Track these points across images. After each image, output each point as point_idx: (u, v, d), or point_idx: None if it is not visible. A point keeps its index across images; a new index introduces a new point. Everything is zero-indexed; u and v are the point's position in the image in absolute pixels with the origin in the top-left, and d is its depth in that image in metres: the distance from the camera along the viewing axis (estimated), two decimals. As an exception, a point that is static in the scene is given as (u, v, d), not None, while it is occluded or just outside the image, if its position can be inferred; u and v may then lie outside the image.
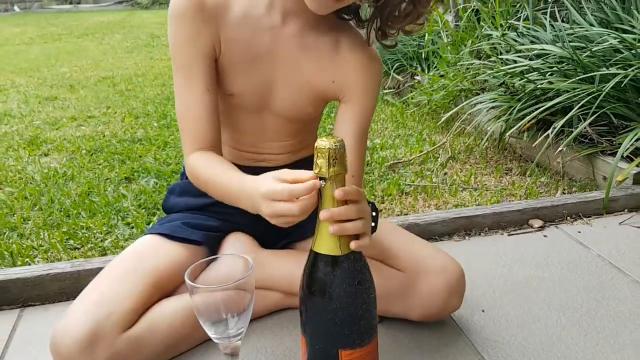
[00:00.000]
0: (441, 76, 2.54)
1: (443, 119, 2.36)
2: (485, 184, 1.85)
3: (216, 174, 0.92)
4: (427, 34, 2.93)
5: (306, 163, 1.03)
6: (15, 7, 11.81)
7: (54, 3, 12.05)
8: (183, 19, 0.93)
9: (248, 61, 0.97)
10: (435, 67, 2.69)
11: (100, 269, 1.17)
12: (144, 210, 1.65)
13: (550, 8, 2.17)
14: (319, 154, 0.71)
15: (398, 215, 1.60)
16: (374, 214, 0.88)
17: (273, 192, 0.74)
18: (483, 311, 1.12)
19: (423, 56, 2.97)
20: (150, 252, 1.02)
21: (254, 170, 0.88)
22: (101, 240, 1.46)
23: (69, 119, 2.75)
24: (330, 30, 0.98)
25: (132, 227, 1.54)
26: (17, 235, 1.50)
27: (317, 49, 0.98)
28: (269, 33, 0.96)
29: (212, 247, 1.10)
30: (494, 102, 2.01)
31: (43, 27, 7.55)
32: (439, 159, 2.07)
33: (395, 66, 3.15)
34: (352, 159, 0.96)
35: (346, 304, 0.77)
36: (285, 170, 0.77)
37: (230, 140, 1.10)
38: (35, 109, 2.99)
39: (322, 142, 0.70)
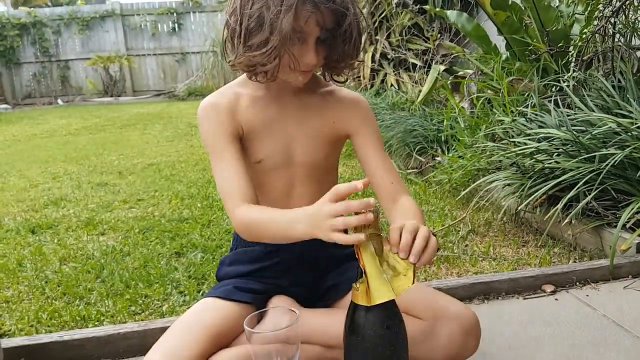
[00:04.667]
0: (459, 157, 2.76)
1: (462, 194, 2.56)
2: (503, 255, 2.01)
3: (272, 214, 1.10)
4: (445, 120, 3.20)
5: None
6: (59, 100, 12.56)
7: (95, 96, 12.70)
8: (205, 118, 1.23)
9: (265, 129, 1.25)
10: (454, 149, 2.92)
11: (162, 327, 1.38)
12: (193, 280, 1.85)
13: (554, 97, 2.41)
14: None
15: (423, 281, 1.76)
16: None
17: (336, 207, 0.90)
18: (499, 363, 1.27)
19: (443, 139, 3.22)
20: (208, 310, 1.22)
21: None
22: (159, 307, 1.66)
23: (121, 202, 3.03)
24: (316, 88, 1.29)
25: (185, 295, 1.73)
26: (85, 304, 1.71)
27: (313, 103, 1.28)
28: (274, 105, 1.25)
29: (260, 306, 1.28)
30: (507, 179, 2.21)
31: (87, 119, 8.03)
32: (460, 232, 2.25)
33: (417, 148, 3.40)
34: (386, 169, 1.24)
35: (375, 345, 0.95)
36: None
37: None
38: (88, 194, 3.28)
39: None
